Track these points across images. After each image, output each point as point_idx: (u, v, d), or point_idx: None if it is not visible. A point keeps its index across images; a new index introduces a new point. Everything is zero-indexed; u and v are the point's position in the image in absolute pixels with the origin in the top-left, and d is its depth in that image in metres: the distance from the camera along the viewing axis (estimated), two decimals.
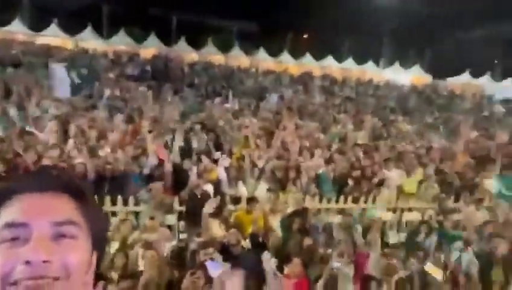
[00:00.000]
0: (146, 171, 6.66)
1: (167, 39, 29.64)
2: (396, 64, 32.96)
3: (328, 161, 8.03)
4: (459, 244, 5.26)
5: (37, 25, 26.19)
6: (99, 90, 12.14)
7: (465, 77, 31.35)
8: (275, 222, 6.10)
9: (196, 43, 30.48)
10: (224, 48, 31.44)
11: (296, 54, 32.95)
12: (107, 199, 6.00)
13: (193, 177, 6.55)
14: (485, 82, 30.57)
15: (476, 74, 31.45)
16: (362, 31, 34.78)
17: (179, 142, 8.13)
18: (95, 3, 31.09)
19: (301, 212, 6.22)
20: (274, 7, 39.56)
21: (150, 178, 6.57)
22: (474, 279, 4.39)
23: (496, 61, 34.33)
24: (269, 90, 18.30)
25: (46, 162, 5.88)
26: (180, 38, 30.00)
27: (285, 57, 32.18)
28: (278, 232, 5.69)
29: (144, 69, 20.01)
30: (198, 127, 9.03)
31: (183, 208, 6.27)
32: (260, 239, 5.18)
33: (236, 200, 6.73)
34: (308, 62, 32.33)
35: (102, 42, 26.99)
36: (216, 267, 3.68)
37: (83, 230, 0.70)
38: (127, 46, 27.03)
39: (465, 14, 34.72)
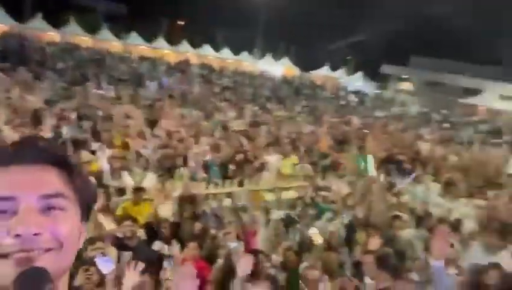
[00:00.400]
0: None
1: (19, 15, 25.51)
2: (269, 56, 35.19)
3: (214, 148, 8.27)
4: (329, 214, 6.14)
5: None
6: None
7: (325, 70, 35.47)
8: (165, 211, 6.06)
9: (56, 22, 27.05)
10: (90, 29, 28.69)
11: (172, 41, 32.21)
12: None
13: None
14: (341, 75, 35.15)
15: (333, 68, 35.88)
16: (237, 22, 35.96)
17: (47, 132, 7.28)
18: None
19: (190, 199, 6.32)
20: None
21: None
22: (341, 242, 5.21)
23: (348, 58, 39.66)
24: (147, 77, 17.59)
25: None
26: (35, 16, 26.19)
27: (161, 43, 31.16)
28: (169, 219, 5.68)
29: None
30: (73, 115, 8.20)
31: None
32: (154, 228, 5.11)
33: (121, 191, 6.42)
34: (185, 49, 31.97)
35: None
36: (106, 263, 3.53)
37: (72, 201, 0.70)
38: None
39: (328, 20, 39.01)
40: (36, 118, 7.88)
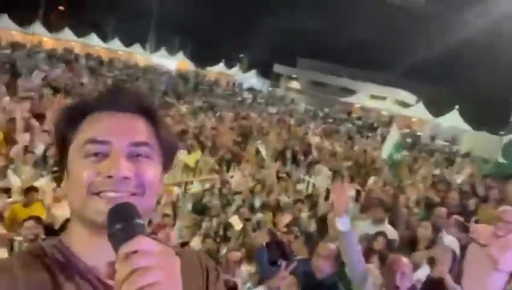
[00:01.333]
0: None
1: None
2: (163, 50, 34.22)
3: None
4: (238, 202, 6.46)
5: None
6: None
7: (220, 67, 36.05)
8: (61, 211, 5.59)
9: None
10: None
11: (51, 27, 28.96)
12: None
13: None
14: (236, 72, 36.15)
15: (228, 65, 36.68)
16: (129, 11, 34.02)
17: None
18: None
19: None
20: None
21: None
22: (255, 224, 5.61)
23: (241, 55, 41.01)
24: (24, 66, 15.51)
25: None
26: None
27: (38, 28, 27.72)
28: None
29: None
30: None
31: None
32: (55, 229, 4.68)
33: (6, 191, 5.68)
34: (67, 37, 29.03)
35: None
36: None
37: (156, 151, 0.73)
38: None
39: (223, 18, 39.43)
40: None
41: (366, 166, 10.27)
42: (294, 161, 9.86)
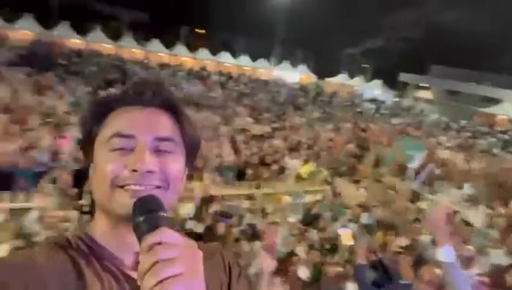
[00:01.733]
0: (39, 168, 6.05)
1: (46, 23, 26.47)
2: (286, 63, 35.38)
3: (233, 151, 8.45)
4: (345, 218, 6.20)
5: None
6: None
7: (342, 78, 35.41)
8: (184, 210, 6.22)
9: (81, 29, 27.92)
10: (114, 36, 29.51)
11: (191, 48, 32.79)
12: None
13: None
14: (358, 83, 35.00)
15: (351, 75, 35.80)
16: (257, 30, 36.34)
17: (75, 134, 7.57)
18: None
19: (209, 200, 6.47)
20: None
21: (41, 176, 5.98)
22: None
23: (366, 66, 39.52)
24: (166, 83, 17.95)
25: None
26: (60, 23, 27.11)
27: (180, 50, 31.76)
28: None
29: (19, 54, 17.62)
30: None
31: (84, 202, 5.93)
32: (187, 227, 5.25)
33: None
34: (203, 57, 32.47)
35: None
36: None
37: (180, 147, 0.74)
38: None
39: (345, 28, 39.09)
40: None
41: (509, 187, 8.73)
42: (416, 175, 9.01)
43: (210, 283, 0.80)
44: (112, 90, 13.68)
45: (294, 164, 9.07)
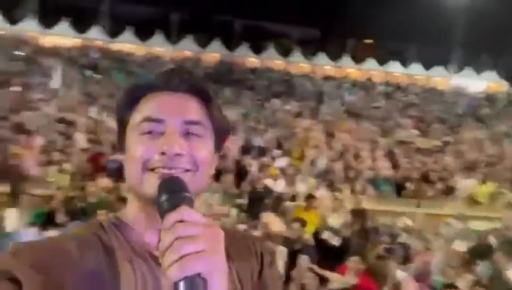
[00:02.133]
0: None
1: (230, 44, 30.61)
2: (467, 70, 30.91)
3: (392, 164, 7.86)
4: None
5: (113, 32, 28.45)
6: None
7: None
8: (333, 221, 6.10)
9: (258, 48, 31.13)
10: (285, 53, 31.76)
11: (357, 59, 32.29)
12: None
13: (253, 171, 6.78)
14: None
15: None
16: (431, 35, 33.09)
17: (239, 139, 8.46)
18: (164, 12, 33.07)
19: (360, 213, 6.17)
20: (336, 14, 39.09)
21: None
22: None
23: None
24: (329, 95, 18.20)
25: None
26: (242, 44, 30.84)
27: (346, 61, 31.67)
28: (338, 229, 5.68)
29: (205, 72, 20.93)
30: (260, 126, 9.31)
31: (243, 201, 6.50)
32: (323, 237, 5.21)
33: (293, 197, 6.83)
34: (369, 67, 31.53)
35: (169, 48, 28.60)
36: None
37: (208, 131, 0.75)
38: (192, 51, 28.39)
39: None
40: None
41: None
42: None
43: (240, 268, 0.77)
44: (277, 102, 14.78)
45: (468, 184, 7.78)
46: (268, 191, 6.13)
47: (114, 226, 0.75)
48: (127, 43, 27.58)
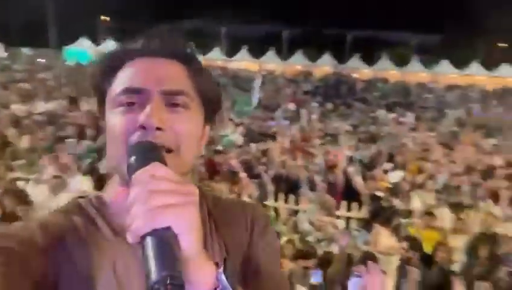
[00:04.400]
0: (317, 178, 6.92)
1: (341, 56, 30.25)
2: None
3: None
4: None
5: (230, 51, 30.84)
6: (277, 104, 13.56)
7: None
8: (457, 243, 5.45)
9: (370, 59, 30.07)
10: (401, 62, 29.96)
11: (489, 66, 28.51)
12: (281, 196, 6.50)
13: (359, 184, 6.55)
14: None
15: None
16: None
17: (347, 151, 8.25)
18: (276, 30, 34.51)
19: (490, 237, 5.38)
20: (461, 15, 35.39)
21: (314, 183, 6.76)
22: None
23: None
24: (452, 106, 16.47)
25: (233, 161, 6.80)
26: (353, 55, 30.15)
27: (474, 69, 28.23)
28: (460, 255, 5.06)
29: (316, 85, 21.01)
30: (365, 137, 8.97)
31: (351, 214, 6.29)
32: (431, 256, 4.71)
33: (407, 213, 6.33)
34: (504, 74, 27.49)
35: (281, 63, 29.60)
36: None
37: (195, 101, 0.66)
38: (302, 65, 28.83)
39: None
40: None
41: None
42: None
43: (227, 235, 0.73)
44: (390, 114, 13.95)
45: None
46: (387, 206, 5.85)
47: (93, 206, 0.69)
48: (243, 61, 29.50)
